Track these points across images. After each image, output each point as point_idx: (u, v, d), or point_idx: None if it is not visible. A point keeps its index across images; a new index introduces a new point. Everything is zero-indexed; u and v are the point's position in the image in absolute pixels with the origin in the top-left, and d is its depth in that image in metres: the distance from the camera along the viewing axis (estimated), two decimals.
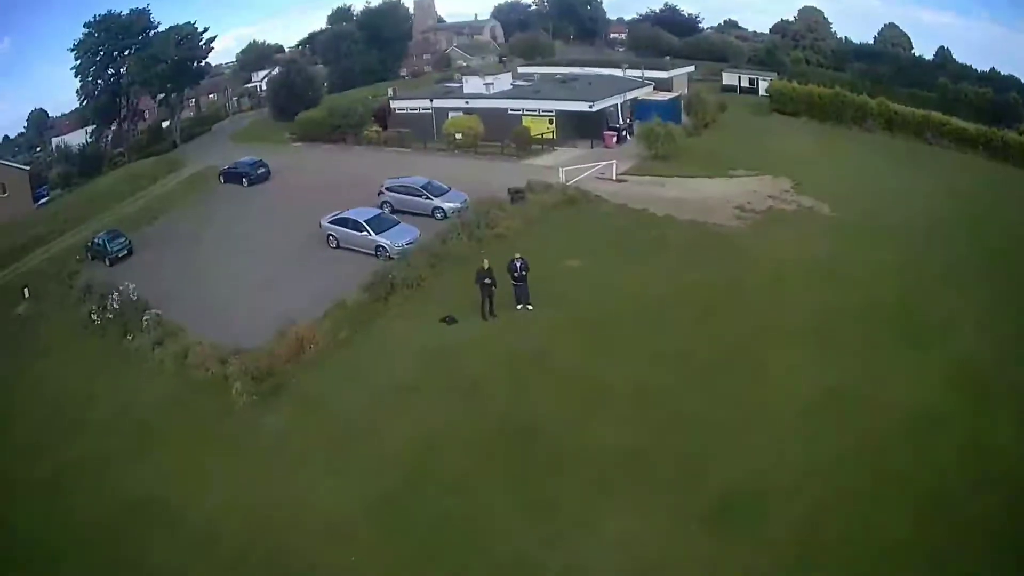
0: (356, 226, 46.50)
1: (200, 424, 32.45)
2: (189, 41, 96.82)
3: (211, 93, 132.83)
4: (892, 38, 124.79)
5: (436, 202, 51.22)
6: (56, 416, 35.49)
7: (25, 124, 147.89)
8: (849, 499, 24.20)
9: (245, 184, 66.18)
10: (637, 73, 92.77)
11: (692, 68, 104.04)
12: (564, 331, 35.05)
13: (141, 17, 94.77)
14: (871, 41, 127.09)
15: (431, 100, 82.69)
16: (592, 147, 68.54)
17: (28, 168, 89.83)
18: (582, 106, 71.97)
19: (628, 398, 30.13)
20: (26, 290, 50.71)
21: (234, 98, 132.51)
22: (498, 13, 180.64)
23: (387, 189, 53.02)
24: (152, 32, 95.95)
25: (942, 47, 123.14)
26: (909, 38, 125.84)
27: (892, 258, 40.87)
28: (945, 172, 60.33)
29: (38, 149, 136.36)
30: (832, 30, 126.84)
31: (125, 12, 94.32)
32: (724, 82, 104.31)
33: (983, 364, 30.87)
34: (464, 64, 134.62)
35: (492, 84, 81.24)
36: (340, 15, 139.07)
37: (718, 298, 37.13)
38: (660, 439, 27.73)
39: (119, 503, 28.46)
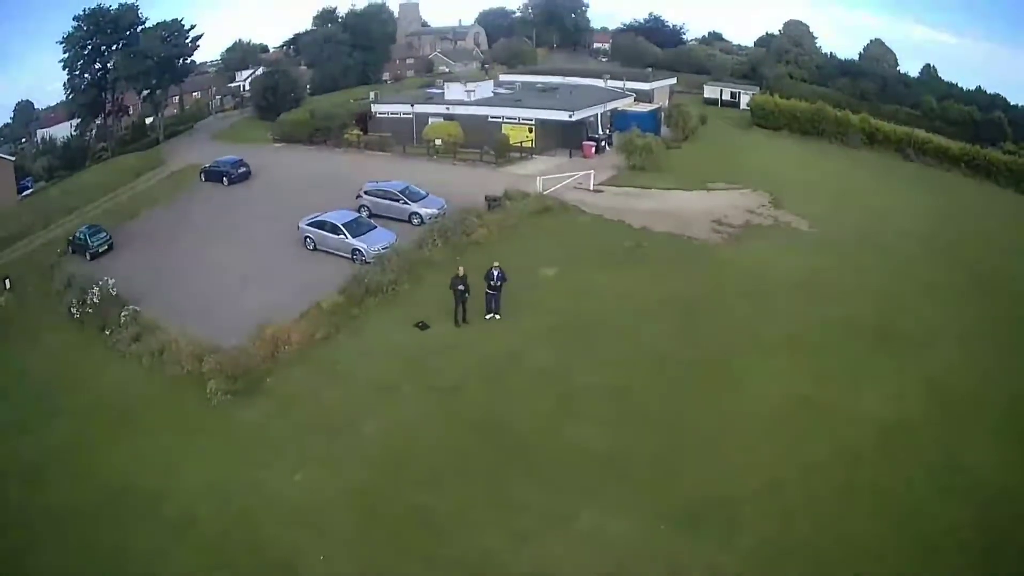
0: (333, 229, 46.91)
1: (178, 415, 32.84)
2: (176, 38, 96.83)
3: (195, 91, 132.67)
4: (878, 55, 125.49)
5: (414, 207, 51.61)
6: (35, 404, 35.57)
7: (11, 115, 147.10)
8: (819, 507, 24.67)
9: (225, 183, 66.51)
10: (618, 83, 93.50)
11: (674, 80, 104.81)
12: (539, 337, 35.62)
13: (129, 12, 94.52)
14: (856, 57, 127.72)
15: (412, 105, 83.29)
16: (571, 157, 69.40)
17: (13, 159, 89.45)
18: (562, 115, 72.66)
19: (601, 402, 30.73)
20: (7, 281, 50.75)
21: (217, 97, 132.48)
22: (482, 19, 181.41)
23: (366, 193, 53.44)
24: (140, 28, 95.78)
25: (928, 64, 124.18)
26: (895, 55, 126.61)
27: (870, 274, 41.58)
28: (927, 189, 61.34)
29: (23, 140, 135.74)
30: (817, 45, 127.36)
31: (114, 7, 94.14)
32: (706, 95, 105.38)
33: (959, 379, 31.51)
34: (447, 70, 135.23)
35: (473, 91, 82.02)
36: (325, 17, 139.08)
37: (693, 309, 37.65)
38: (632, 441, 28.30)
39: (97, 490, 28.72)
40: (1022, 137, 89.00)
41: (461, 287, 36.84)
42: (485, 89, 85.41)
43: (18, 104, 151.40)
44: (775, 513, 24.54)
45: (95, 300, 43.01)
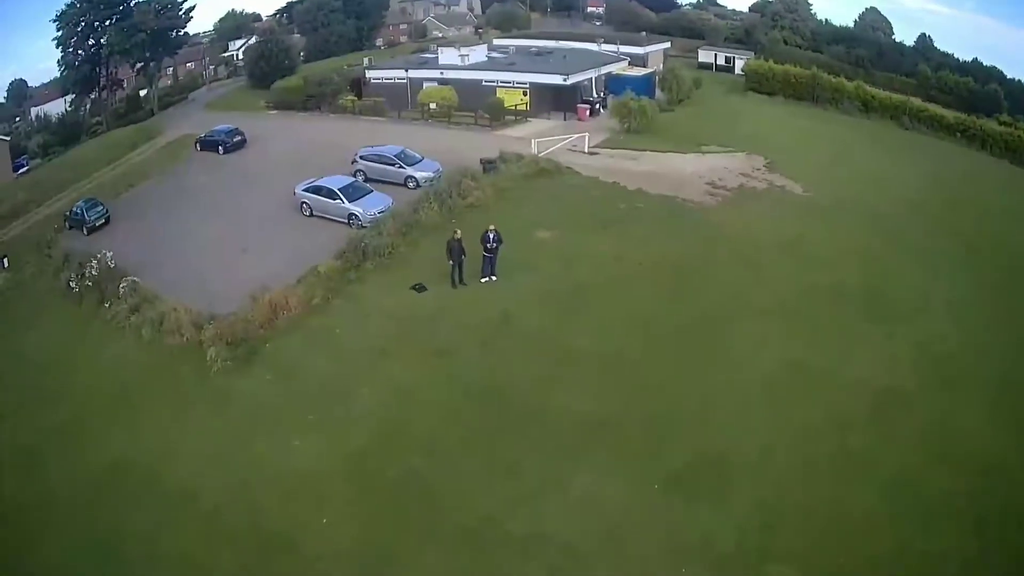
0: (330, 194, 46.92)
1: (176, 388, 32.97)
2: (169, 10, 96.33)
3: (189, 62, 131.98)
4: (873, 22, 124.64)
5: (409, 171, 51.59)
6: (35, 383, 35.65)
7: (4, 95, 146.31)
8: (813, 472, 25.04)
9: (221, 152, 66.07)
10: (612, 48, 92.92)
11: (668, 44, 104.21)
12: (534, 300, 35.85)
13: None
14: (851, 24, 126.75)
15: (406, 70, 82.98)
16: (565, 120, 69.47)
17: (8, 139, 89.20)
18: (556, 79, 72.62)
19: (595, 365, 31.02)
20: (5, 260, 50.66)
21: (211, 67, 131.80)
22: None
23: (361, 158, 53.28)
24: (133, 2, 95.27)
25: (923, 34, 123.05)
26: (890, 23, 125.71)
27: (863, 239, 41.73)
28: (921, 157, 61.27)
29: (17, 119, 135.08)
30: (812, 11, 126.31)
31: None
32: (700, 59, 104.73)
33: (951, 345, 31.89)
34: (440, 35, 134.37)
35: (467, 56, 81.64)
36: None
37: (687, 272, 37.89)
38: (626, 406, 28.62)
39: (97, 466, 28.94)
40: (1018, 110, 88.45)
41: (458, 249, 37.00)
42: (479, 54, 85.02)
43: (11, 83, 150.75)
44: (768, 478, 24.94)
45: (93, 273, 43.01)
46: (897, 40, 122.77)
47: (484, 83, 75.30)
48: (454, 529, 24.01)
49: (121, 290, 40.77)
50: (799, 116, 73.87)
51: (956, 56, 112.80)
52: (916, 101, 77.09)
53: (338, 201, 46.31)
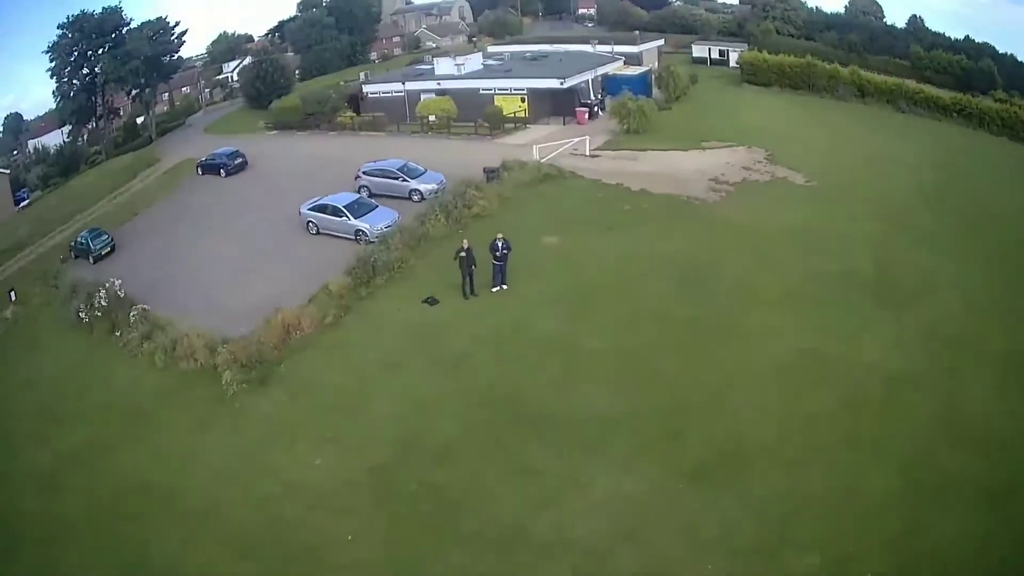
0: (335, 211, 46.93)
1: (192, 411, 32.90)
2: (161, 36, 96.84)
3: (184, 86, 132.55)
4: (863, 7, 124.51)
5: (413, 184, 51.61)
6: (50, 409, 35.62)
7: (0, 128, 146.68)
8: (829, 457, 24.97)
9: (223, 175, 66.23)
10: (607, 48, 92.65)
11: (662, 41, 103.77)
12: (545, 305, 35.90)
13: (114, 15, 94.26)
14: (842, 10, 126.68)
15: (403, 83, 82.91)
16: (565, 124, 69.23)
17: (7, 172, 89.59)
18: (553, 83, 72.48)
19: (609, 364, 31.07)
20: (12, 293, 50.58)
21: (207, 90, 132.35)
22: None
23: (364, 173, 53.39)
24: (125, 29, 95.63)
25: (914, 15, 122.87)
26: (880, 6, 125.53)
27: (868, 225, 41.63)
28: (920, 140, 61.06)
29: (15, 152, 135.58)
30: (802, 0, 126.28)
31: (98, 11, 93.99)
32: (694, 54, 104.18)
33: (959, 327, 31.71)
34: (433, 45, 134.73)
35: (463, 65, 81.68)
36: (308, 2, 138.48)
37: (695, 268, 37.86)
38: (642, 402, 28.62)
39: (117, 488, 28.90)
40: (1012, 85, 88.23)
41: (467, 259, 36.98)
42: (475, 62, 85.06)
43: (7, 117, 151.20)
44: (784, 466, 24.87)
45: (103, 303, 42.87)
46: (888, 23, 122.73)
47: (481, 91, 75.19)
48: (477, 537, 23.91)
49: (132, 318, 40.74)
50: (796, 105, 73.70)
51: (947, 35, 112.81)
52: (911, 83, 76.84)
53: (344, 218, 46.32)
